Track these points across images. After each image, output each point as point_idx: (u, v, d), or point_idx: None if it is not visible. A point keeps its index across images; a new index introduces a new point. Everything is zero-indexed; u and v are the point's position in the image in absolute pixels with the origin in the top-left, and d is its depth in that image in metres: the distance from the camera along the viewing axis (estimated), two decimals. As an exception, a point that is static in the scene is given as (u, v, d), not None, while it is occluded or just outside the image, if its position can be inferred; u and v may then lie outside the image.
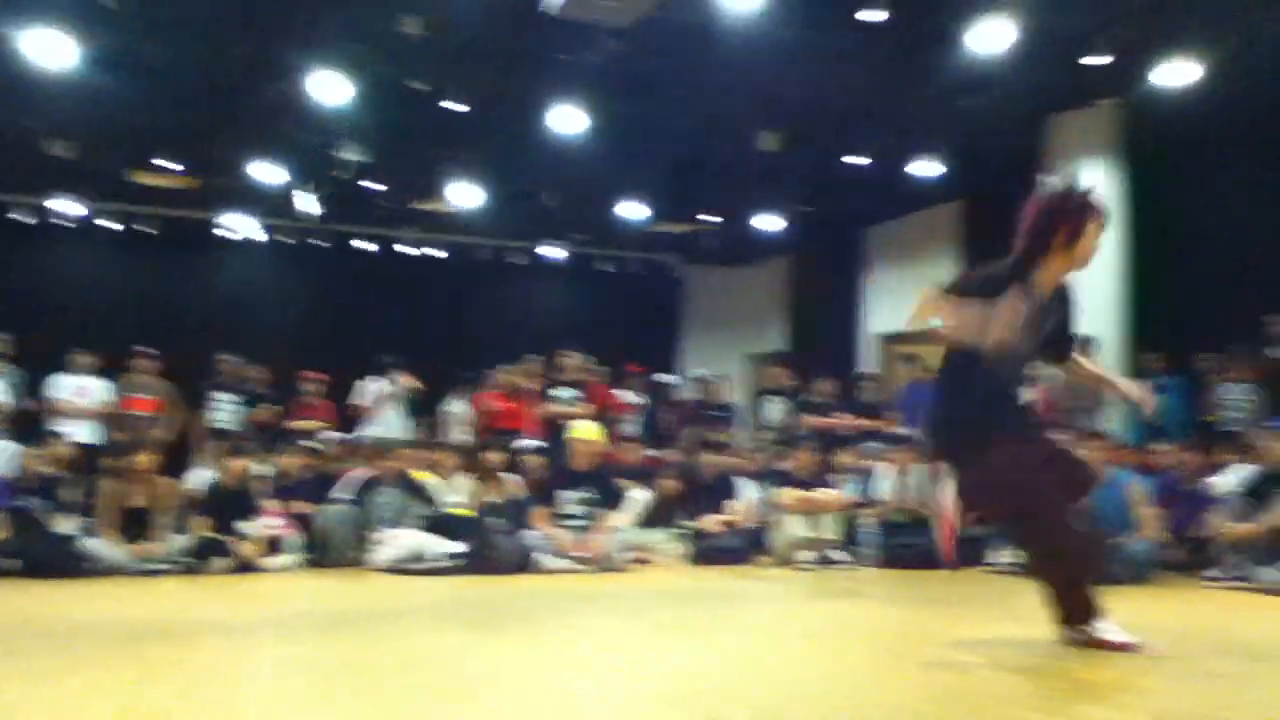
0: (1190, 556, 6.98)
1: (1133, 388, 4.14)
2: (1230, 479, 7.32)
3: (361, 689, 3.16)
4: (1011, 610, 5.24)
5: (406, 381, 10.73)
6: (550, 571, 7.12)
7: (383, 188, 11.34)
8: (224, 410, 10.25)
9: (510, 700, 2.97)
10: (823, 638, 4.36)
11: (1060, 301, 3.83)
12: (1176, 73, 8.51)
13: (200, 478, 8.75)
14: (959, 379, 3.72)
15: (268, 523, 7.61)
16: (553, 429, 9.82)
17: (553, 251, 14.95)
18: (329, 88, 8.75)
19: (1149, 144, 9.81)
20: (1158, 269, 9.93)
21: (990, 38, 7.95)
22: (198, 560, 7.05)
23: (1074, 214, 3.69)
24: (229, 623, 4.72)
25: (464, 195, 11.73)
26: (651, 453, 10.63)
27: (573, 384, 10.13)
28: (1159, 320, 9.79)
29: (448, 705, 2.90)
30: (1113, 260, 9.74)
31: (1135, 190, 9.89)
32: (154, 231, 12.84)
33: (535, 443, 9.55)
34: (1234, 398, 8.54)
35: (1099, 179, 9.74)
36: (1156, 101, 9.04)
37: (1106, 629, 3.71)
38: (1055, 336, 3.85)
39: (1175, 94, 8.77)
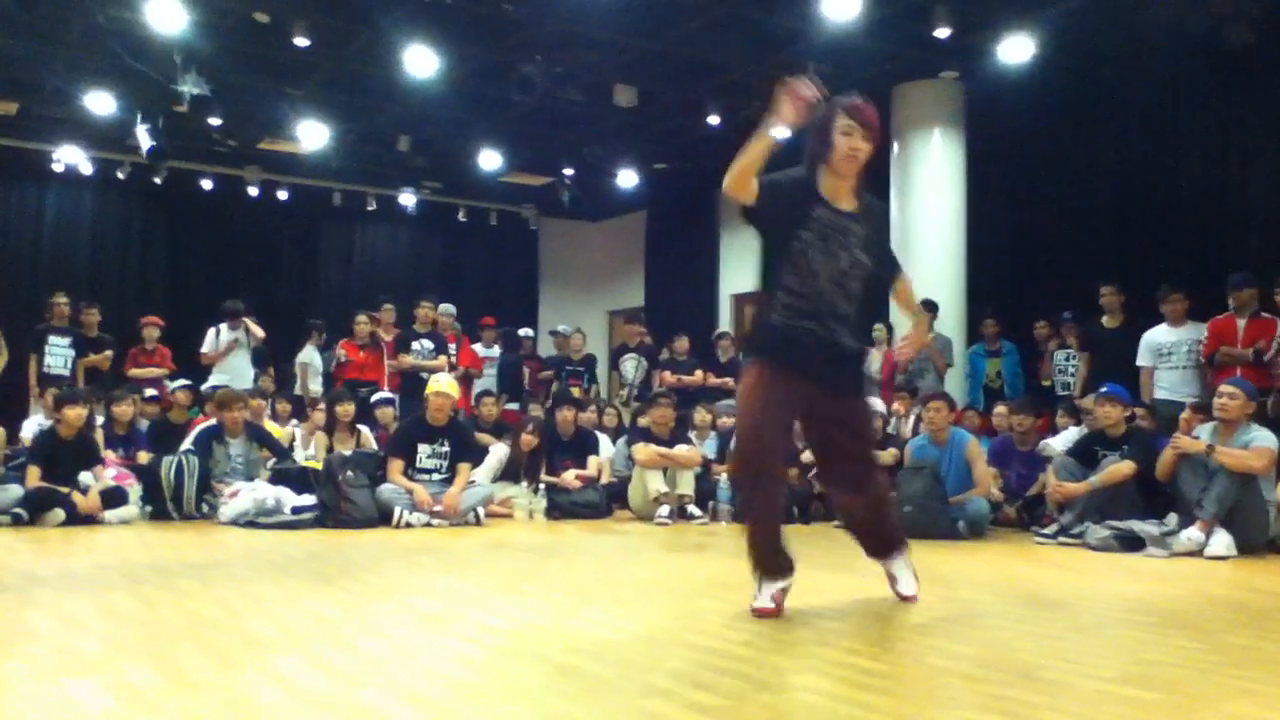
0: (1023, 514, 7.37)
1: (921, 332, 4.09)
2: (1062, 441, 7.75)
3: (153, 646, 3.08)
4: (844, 562, 5.46)
5: (254, 329, 10.37)
6: (404, 526, 7.03)
7: (222, 123, 10.86)
8: (56, 354, 9.72)
9: (305, 659, 2.92)
10: (662, 590, 4.44)
11: (868, 219, 3.66)
12: (1015, 48, 8.87)
13: (34, 426, 8.32)
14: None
15: (107, 474, 7.29)
16: (408, 381, 9.67)
17: (407, 198, 14.61)
18: (166, 14, 8.29)
19: (989, 117, 10.21)
20: (996, 238, 10.38)
21: (842, 4, 8.12)
22: (31, 512, 6.69)
23: (822, 119, 3.54)
24: (48, 576, 4.52)
25: (314, 136, 11.33)
26: (510, 406, 10.60)
27: (429, 335, 9.97)
28: (997, 287, 10.26)
29: (234, 666, 2.82)
30: (952, 228, 10.14)
31: (975, 161, 10.29)
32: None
33: (389, 395, 9.38)
34: (1065, 364, 9.02)
35: (940, 149, 10.13)
36: (996, 75, 9.41)
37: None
38: (873, 255, 3.67)
39: (1014, 68, 9.14)
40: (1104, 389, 6.96)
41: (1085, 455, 6.84)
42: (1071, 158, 9.94)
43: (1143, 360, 7.96)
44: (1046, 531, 6.62)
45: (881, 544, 4.03)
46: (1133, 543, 6.04)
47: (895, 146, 10.35)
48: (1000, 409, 8.40)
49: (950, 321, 9.93)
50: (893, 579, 4.02)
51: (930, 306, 9.57)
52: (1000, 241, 10.37)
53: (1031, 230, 10.14)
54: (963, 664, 2.97)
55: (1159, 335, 7.92)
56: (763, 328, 3.66)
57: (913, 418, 8.55)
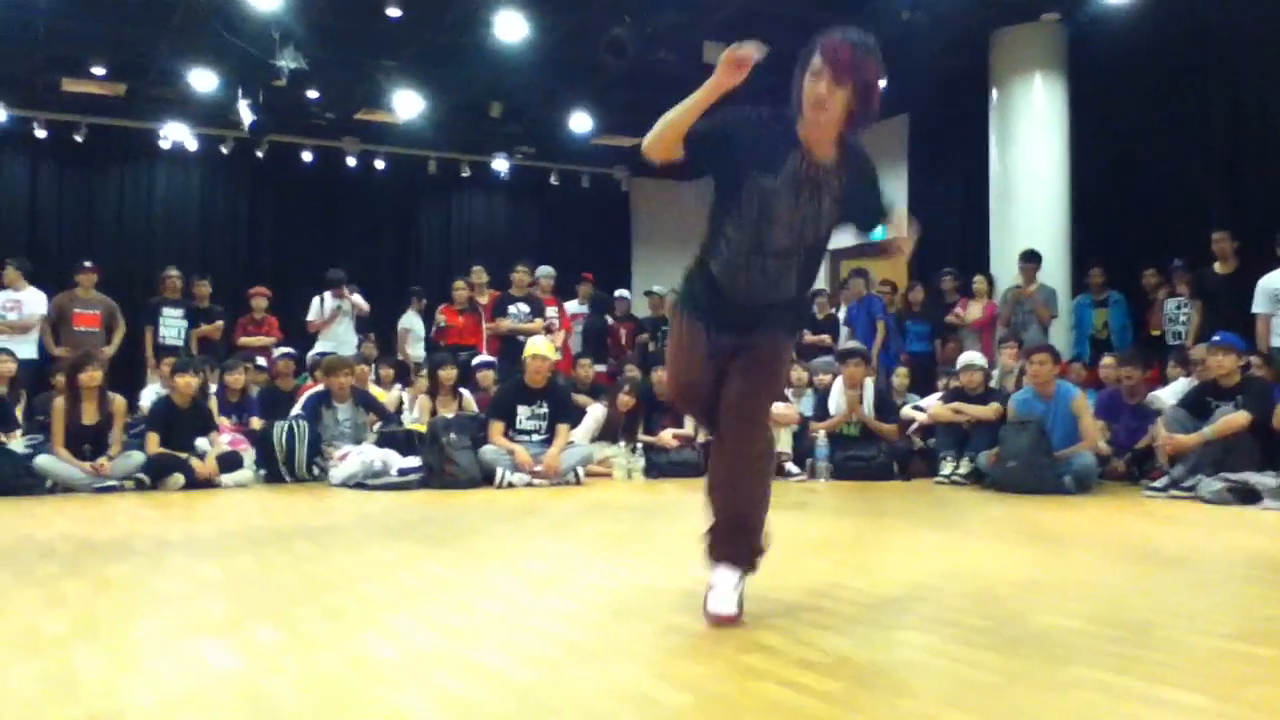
0: (1132, 468, 7.20)
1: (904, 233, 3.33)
2: (1172, 393, 7.53)
3: (276, 607, 3.19)
4: (948, 519, 5.40)
5: (359, 303, 10.64)
6: (507, 486, 7.17)
7: (319, 96, 11.06)
8: (170, 326, 10.11)
9: (420, 620, 3.00)
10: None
11: (849, 169, 3.14)
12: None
13: (151, 395, 8.65)
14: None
15: (222, 440, 7.56)
16: (507, 344, 9.80)
17: (500, 164, 14.74)
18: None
19: (1092, 60, 9.87)
20: (1100, 185, 10.05)
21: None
22: (153, 478, 6.99)
23: (802, 56, 3.07)
24: (175, 540, 4.71)
25: (408, 105, 11.49)
26: (604, 368, 10.67)
27: (526, 299, 10.08)
28: (1102, 236, 9.95)
29: (353, 626, 2.91)
30: (1056, 176, 9.86)
31: (1078, 107, 9.97)
32: (80, 139, 12.41)
33: (489, 358, 9.53)
34: (1176, 313, 8.74)
35: (1042, 95, 9.83)
36: (1099, 18, 9.08)
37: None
38: (860, 204, 3.22)
39: (1117, 8, 8.82)
40: (1216, 337, 6.75)
41: (1197, 407, 6.65)
42: (1178, 100, 9.55)
43: (1259, 306, 7.66)
44: (1156, 485, 6.47)
45: (722, 535, 3.12)
46: (1248, 495, 5.87)
47: (995, 93, 10.08)
48: (1107, 361, 8.18)
49: (1055, 272, 9.68)
50: (711, 586, 3.03)
51: (1033, 257, 9.36)
52: (1105, 189, 10.05)
53: (1138, 176, 9.80)
54: (1073, 621, 2.93)
55: (1276, 280, 7.61)
56: (699, 279, 3.26)
57: (1017, 371, 8.39)
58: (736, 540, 3.10)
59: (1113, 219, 10.00)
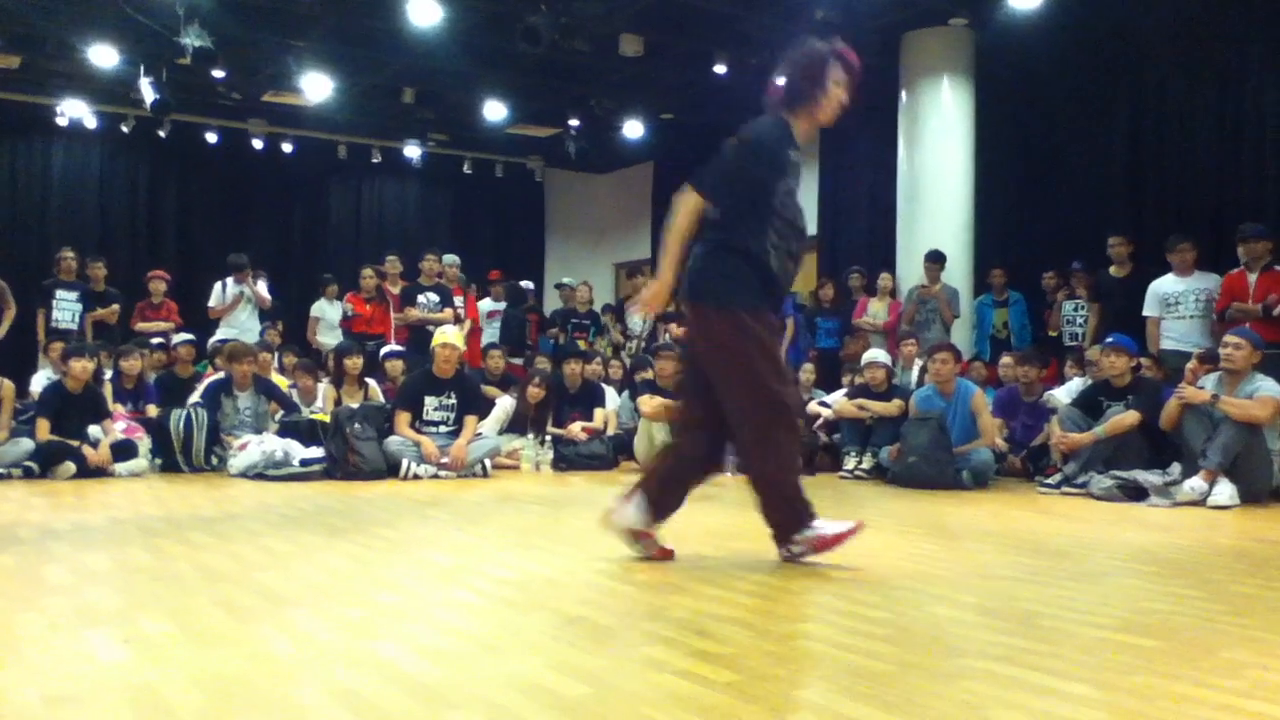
0: (1027, 464, 7.40)
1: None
2: (1067, 392, 7.76)
3: (168, 598, 3.13)
4: (850, 513, 5.50)
5: (260, 294, 10.41)
6: (412, 478, 7.09)
7: (225, 75, 10.79)
8: (64, 309, 9.77)
9: (318, 613, 2.96)
10: (668, 541, 4.48)
11: None
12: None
13: (42, 380, 8.37)
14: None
15: (116, 427, 7.34)
16: (415, 334, 9.70)
17: (413, 151, 14.56)
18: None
19: (999, 66, 10.11)
20: (1004, 188, 10.31)
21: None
22: (42, 465, 6.75)
23: (816, 63, 3.61)
24: (62, 529, 4.57)
25: (318, 88, 11.27)
26: (516, 360, 10.62)
27: (435, 288, 9.98)
28: (1005, 237, 10.21)
29: (248, 619, 2.86)
30: (960, 177, 10.08)
31: (985, 110, 10.20)
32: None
33: (399, 348, 9.42)
34: (1073, 314, 9.01)
35: (949, 97, 10.03)
36: (1007, 24, 9.31)
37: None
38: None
39: (1024, 15, 9.05)
40: (1109, 339, 6.97)
41: (1090, 406, 6.86)
42: (1081, 106, 9.84)
43: (1149, 310, 7.93)
44: (1050, 481, 6.66)
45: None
46: (1136, 492, 6.08)
47: (904, 95, 10.26)
48: (1006, 359, 8.40)
49: (958, 272, 9.90)
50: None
51: (938, 257, 9.56)
52: (1009, 191, 10.31)
53: (1040, 180, 10.07)
54: (965, 612, 3.01)
55: (1166, 285, 7.89)
56: (755, 274, 3.57)
57: (918, 368, 8.56)
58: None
59: (1015, 221, 10.27)
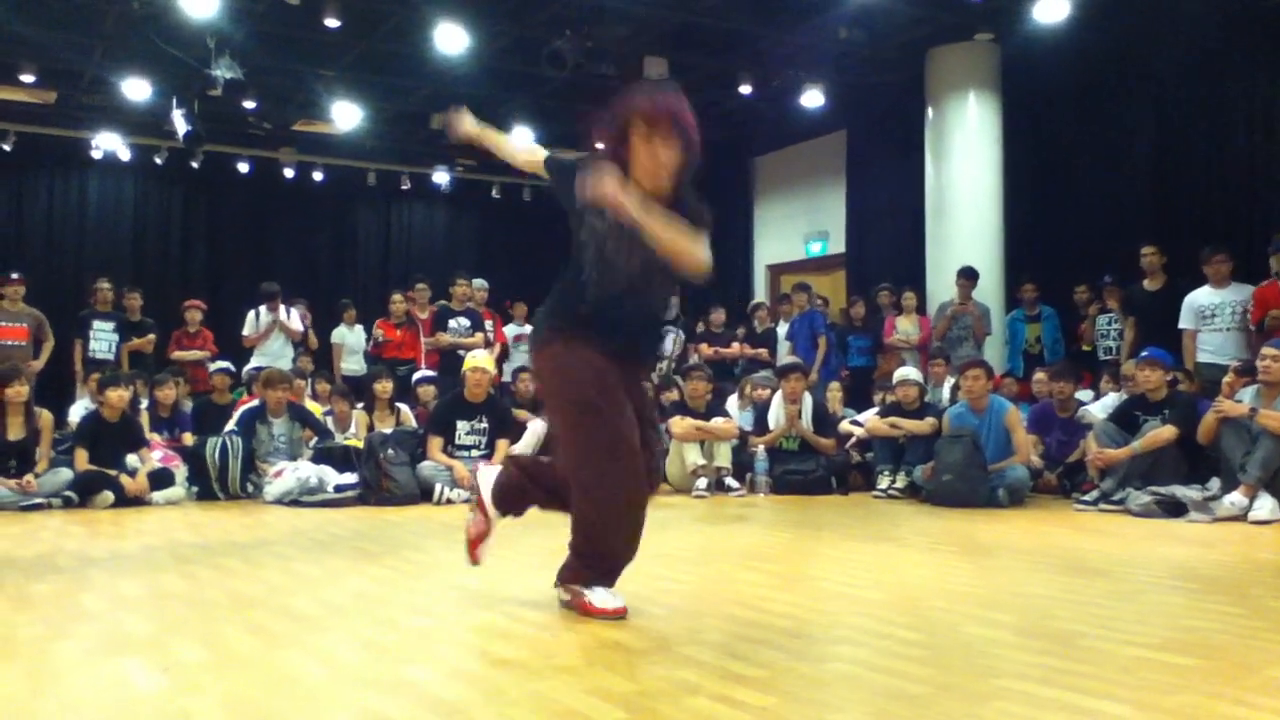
0: (1063, 481, 7.31)
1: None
2: (1102, 407, 7.67)
3: (200, 624, 3.15)
4: (883, 532, 5.45)
5: (290, 327, 10.49)
6: (445, 503, 7.10)
7: (256, 106, 10.93)
8: (100, 339, 9.90)
9: (349, 637, 2.96)
10: (701, 562, 4.46)
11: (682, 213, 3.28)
12: (1050, 7, 8.76)
13: (80, 410, 8.47)
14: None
15: (153, 456, 7.41)
16: (446, 358, 9.74)
17: (441, 177, 14.67)
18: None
19: (1024, 79, 10.08)
20: (1034, 202, 10.26)
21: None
22: (81, 495, 6.82)
23: (616, 115, 3.28)
24: (99, 557, 4.61)
25: (347, 116, 11.40)
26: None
27: (465, 313, 10.02)
28: (1035, 252, 10.14)
29: (279, 644, 2.87)
30: (988, 192, 10.04)
31: (1011, 124, 10.17)
32: (7, 148, 12.14)
33: (430, 373, 9.46)
34: (1107, 328, 8.92)
35: (976, 112, 10.01)
36: (1031, 38, 9.28)
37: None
38: None
39: (1049, 29, 9.02)
40: (1145, 353, 6.89)
41: (1126, 420, 6.78)
42: (1109, 118, 9.78)
43: (1185, 323, 7.84)
44: (1087, 498, 6.57)
45: None
46: (1175, 508, 5.99)
47: (930, 111, 10.24)
48: (1040, 375, 8.32)
49: (988, 287, 9.84)
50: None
51: (970, 274, 9.50)
52: (1038, 205, 10.25)
53: (1070, 193, 10.01)
54: (1001, 632, 2.97)
55: (1201, 297, 7.80)
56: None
57: (949, 385, 8.50)
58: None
59: (1044, 235, 10.20)
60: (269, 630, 3.05)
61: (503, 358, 10.39)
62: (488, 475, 3.58)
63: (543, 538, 5.45)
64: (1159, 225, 9.13)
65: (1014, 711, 2.21)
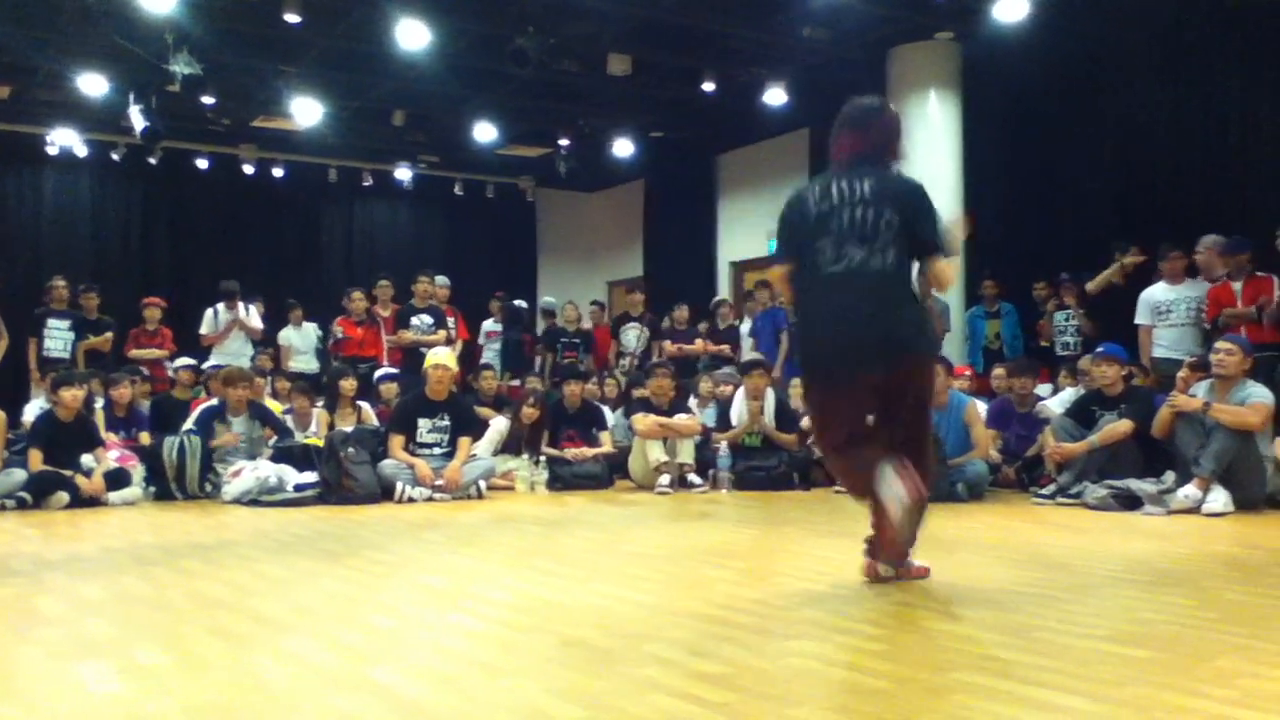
0: (1021, 475, 7.40)
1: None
2: (1059, 402, 7.77)
3: (163, 627, 3.13)
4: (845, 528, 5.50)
5: (249, 324, 10.39)
6: (407, 501, 7.08)
7: (215, 102, 10.84)
8: (55, 338, 9.76)
9: (314, 638, 2.95)
10: (665, 560, 4.49)
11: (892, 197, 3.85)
12: (1011, 6, 8.85)
13: (34, 409, 8.35)
14: None
15: (109, 456, 7.33)
16: (409, 356, 9.70)
17: (403, 173, 14.59)
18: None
19: (986, 78, 10.17)
20: (994, 199, 10.34)
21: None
22: (35, 496, 6.73)
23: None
24: (57, 559, 4.56)
25: (308, 112, 11.30)
26: (516, 383, 10.60)
27: (428, 310, 9.98)
28: (995, 249, 10.23)
29: (243, 646, 2.86)
30: (949, 190, 10.11)
31: (972, 123, 10.25)
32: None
33: (393, 370, 9.42)
34: (1065, 324, 9.03)
35: (937, 111, 10.09)
36: (993, 37, 9.37)
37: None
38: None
39: (1010, 28, 9.10)
40: (1100, 348, 6.99)
41: (1083, 415, 6.87)
42: (1069, 117, 9.89)
43: (1141, 319, 7.95)
44: (1045, 492, 6.66)
45: None
46: (1131, 501, 6.09)
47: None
48: (999, 371, 8.41)
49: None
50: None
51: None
52: (998, 203, 10.33)
53: (1030, 191, 10.11)
54: (960, 626, 3.02)
55: (1157, 293, 7.92)
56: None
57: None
58: None
59: (1004, 232, 10.29)
60: (233, 632, 3.04)
61: (466, 355, 10.35)
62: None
63: (508, 537, 5.46)
64: (1116, 223, 9.24)
65: (972, 704, 2.25)
